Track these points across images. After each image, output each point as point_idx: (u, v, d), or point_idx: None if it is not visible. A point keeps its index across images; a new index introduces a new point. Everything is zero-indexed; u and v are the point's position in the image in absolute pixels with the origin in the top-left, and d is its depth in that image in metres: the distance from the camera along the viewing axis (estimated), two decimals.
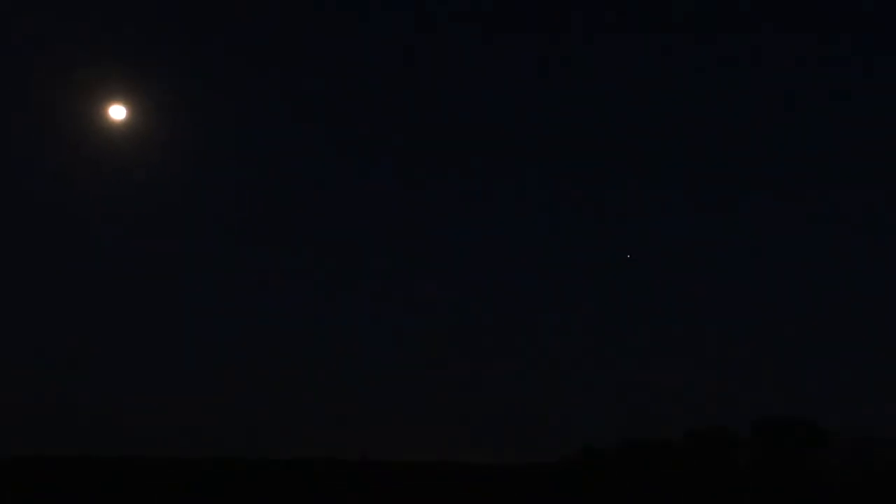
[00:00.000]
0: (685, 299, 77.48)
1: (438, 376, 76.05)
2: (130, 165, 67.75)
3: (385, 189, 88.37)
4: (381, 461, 71.88)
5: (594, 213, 78.68)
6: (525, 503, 28.01)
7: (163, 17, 68.48)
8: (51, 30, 67.70)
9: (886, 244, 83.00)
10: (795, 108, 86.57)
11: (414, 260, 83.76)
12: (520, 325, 79.27)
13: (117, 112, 52.93)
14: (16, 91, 69.29)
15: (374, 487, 36.37)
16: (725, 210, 79.98)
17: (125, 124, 53.38)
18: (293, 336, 79.80)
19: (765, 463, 45.54)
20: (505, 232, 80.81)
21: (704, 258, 79.84)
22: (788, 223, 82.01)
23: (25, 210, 74.83)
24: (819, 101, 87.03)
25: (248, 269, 79.31)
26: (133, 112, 53.94)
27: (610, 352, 76.48)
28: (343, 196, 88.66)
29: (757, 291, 78.53)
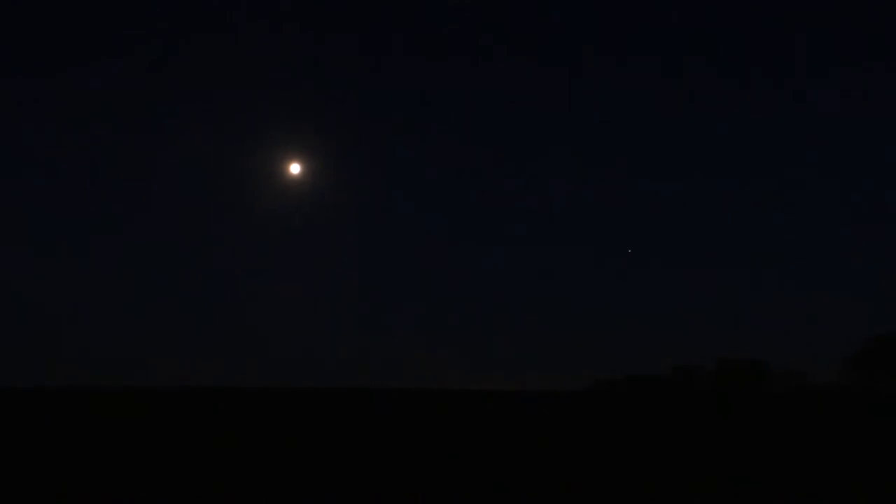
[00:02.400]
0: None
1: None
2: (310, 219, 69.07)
3: None
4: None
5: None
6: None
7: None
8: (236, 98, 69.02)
9: None
10: None
11: None
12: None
13: (295, 168, 55.40)
14: (205, 152, 70.21)
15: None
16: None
17: (301, 180, 55.66)
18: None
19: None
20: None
21: None
22: None
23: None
24: None
25: None
26: (308, 168, 56.48)
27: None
28: None
29: None
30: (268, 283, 72.86)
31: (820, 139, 72.36)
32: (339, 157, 68.54)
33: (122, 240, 72.87)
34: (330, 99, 76.17)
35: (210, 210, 72.70)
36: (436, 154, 76.49)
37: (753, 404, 44.86)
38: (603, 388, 59.81)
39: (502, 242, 74.57)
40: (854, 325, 71.49)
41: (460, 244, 74.72)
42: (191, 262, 73.28)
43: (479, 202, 77.29)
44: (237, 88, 71.90)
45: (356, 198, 72.43)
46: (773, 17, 67.99)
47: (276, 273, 74.25)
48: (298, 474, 15.26)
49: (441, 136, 75.66)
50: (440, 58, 70.49)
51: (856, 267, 68.85)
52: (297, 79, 70.53)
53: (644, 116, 74.05)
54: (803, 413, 36.73)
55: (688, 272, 73.36)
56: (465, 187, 76.66)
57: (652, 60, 71.18)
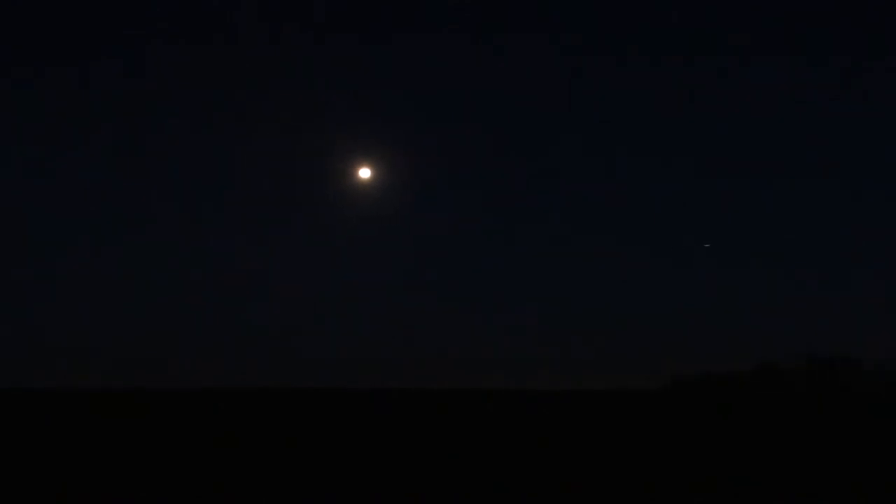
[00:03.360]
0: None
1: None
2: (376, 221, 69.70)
3: None
4: (469, 388, 71.89)
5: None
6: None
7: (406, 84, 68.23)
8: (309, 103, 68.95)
9: None
10: None
11: None
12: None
13: (365, 173, 56.35)
14: (280, 155, 70.75)
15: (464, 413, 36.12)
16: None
17: (371, 184, 56.54)
18: None
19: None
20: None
21: None
22: None
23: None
24: None
25: None
26: (378, 172, 57.43)
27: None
28: None
29: None
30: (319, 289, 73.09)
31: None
32: (407, 161, 68.27)
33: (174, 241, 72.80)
34: (397, 102, 76.17)
35: (277, 214, 73.01)
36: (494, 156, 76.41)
37: (846, 402, 44.08)
38: (682, 386, 59.19)
39: (569, 243, 74.32)
40: None
41: (526, 245, 74.73)
42: (254, 264, 73.01)
43: (544, 204, 76.95)
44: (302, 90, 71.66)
45: (420, 200, 72.96)
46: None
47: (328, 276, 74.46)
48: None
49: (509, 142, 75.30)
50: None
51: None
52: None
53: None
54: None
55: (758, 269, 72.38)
56: (527, 189, 76.64)
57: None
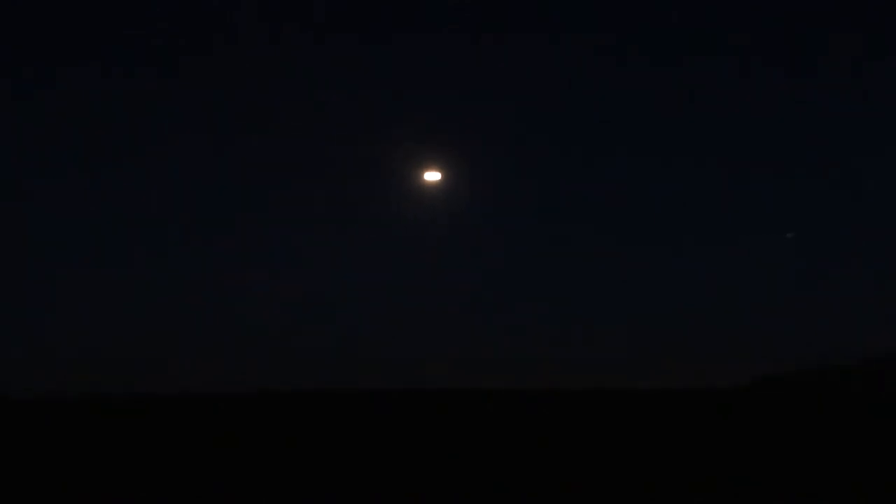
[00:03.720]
0: None
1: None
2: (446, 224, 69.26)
3: None
4: (543, 389, 71.83)
5: None
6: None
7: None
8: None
9: None
10: None
11: None
12: None
13: (432, 176, 56.51)
14: (354, 158, 70.32)
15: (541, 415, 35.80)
16: None
17: (439, 187, 56.77)
18: None
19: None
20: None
21: None
22: None
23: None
24: None
25: None
26: (446, 176, 57.69)
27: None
28: None
29: None
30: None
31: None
32: (476, 163, 67.72)
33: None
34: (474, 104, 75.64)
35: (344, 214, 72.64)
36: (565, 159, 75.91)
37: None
38: (770, 383, 58.25)
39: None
40: None
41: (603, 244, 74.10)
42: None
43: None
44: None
45: (492, 203, 72.54)
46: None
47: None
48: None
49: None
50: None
51: None
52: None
53: None
54: None
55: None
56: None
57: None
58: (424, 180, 54.02)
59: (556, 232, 76.18)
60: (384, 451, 19.49)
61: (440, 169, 55.83)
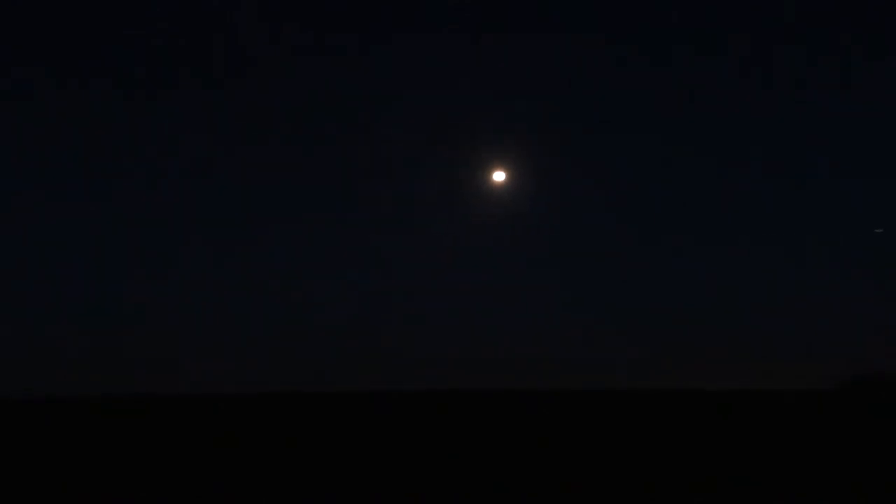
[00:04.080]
0: None
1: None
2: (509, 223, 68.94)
3: None
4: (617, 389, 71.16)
5: None
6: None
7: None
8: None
9: None
10: None
11: None
12: None
13: (499, 176, 56.35)
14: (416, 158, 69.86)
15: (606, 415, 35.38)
16: None
17: (504, 187, 56.59)
18: None
19: None
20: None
21: None
22: None
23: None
24: None
25: None
26: (512, 176, 57.61)
27: None
28: None
29: None
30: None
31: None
32: (540, 163, 67.37)
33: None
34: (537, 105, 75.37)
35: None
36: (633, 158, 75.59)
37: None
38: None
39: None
40: None
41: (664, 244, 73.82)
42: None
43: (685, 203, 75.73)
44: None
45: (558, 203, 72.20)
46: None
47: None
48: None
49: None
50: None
51: None
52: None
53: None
54: None
55: None
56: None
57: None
58: (493, 180, 54.17)
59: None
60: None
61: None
